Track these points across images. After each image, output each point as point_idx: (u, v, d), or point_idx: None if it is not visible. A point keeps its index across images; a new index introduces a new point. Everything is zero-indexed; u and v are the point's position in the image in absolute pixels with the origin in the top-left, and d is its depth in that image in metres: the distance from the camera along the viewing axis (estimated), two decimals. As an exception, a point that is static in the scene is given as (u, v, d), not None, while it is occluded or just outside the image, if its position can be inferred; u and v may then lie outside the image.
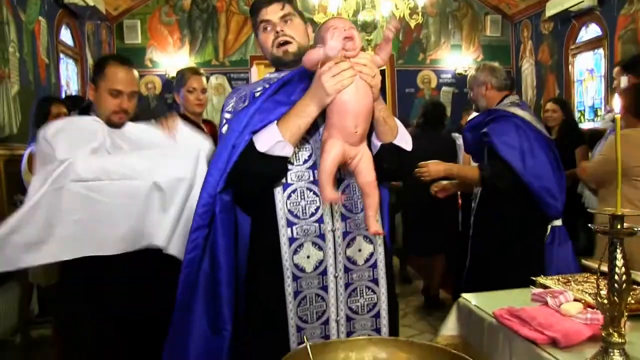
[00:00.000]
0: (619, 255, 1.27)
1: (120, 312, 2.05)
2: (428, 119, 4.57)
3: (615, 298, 1.28)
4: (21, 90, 4.56)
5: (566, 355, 1.51)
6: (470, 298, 2.04)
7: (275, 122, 1.53)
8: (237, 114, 1.61)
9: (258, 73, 7.44)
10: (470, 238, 3.01)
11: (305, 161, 1.62)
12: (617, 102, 1.33)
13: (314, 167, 1.61)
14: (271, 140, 1.50)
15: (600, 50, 6.22)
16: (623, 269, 1.27)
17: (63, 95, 5.41)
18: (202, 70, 3.34)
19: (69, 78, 5.91)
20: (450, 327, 2.08)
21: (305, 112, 1.50)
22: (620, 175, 1.24)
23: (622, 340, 1.33)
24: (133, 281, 2.06)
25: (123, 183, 1.96)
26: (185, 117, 3.15)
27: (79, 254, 1.91)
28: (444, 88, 7.92)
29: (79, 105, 3.64)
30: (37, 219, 1.86)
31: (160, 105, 7.18)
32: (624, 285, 1.27)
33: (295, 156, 1.60)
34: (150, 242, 1.98)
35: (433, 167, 2.84)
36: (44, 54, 5.11)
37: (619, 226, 1.26)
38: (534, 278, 2.02)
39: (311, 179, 1.61)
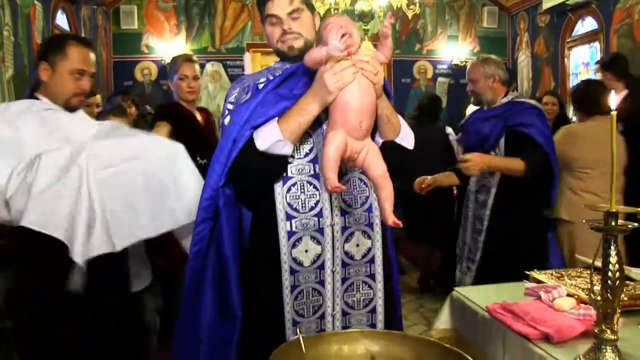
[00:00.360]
0: (612, 252, 1.28)
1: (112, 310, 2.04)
2: (424, 111, 4.63)
3: (609, 295, 1.29)
4: (15, 75, 4.51)
5: (559, 351, 1.52)
6: (463, 292, 2.05)
7: (276, 119, 1.51)
8: (239, 106, 1.60)
9: (254, 60, 7.39)
10: (483, 232, 2.99)
11: (307, 154, 1.61)
12: (612, 99, 1.32)
13: (315, 160, 1.60)
14: (271, 138, 1.49)
15: (596, 44, 6.22)
16: (617, 266, 1.27)
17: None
18: (195, 57, 3.28)
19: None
20: (443, 321, 2.09)
21: (306, 110, 1.48)
22: (614, 170, 1.24)
23: (615, 337, 1.34)
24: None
25: (135, 164, 1.94)
26: (178, 105, 3.13)
27: (125, 244, 1.89)
28: (439, 79, 7.90)
29: None
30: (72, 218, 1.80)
31: (156, 91, 7.14)
32: (618, 282, 1.28)
33: (297, 149, 1.59)
34: (184, 218, 1.98)
35: (479, 158, 2.81)
36: (39, 38, 5.05)
37: (613, 223, 1.27)
38: (527, 272, 2.03)
39: (312, 172, 1.60)
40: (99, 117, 2.89)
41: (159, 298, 2.75)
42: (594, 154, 3.08)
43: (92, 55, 2.11)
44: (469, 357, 1.27)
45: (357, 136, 1.45)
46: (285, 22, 1.61)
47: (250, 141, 1.51)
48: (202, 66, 7.22)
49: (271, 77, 1.65)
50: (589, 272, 1.94)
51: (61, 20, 5.78)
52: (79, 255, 1.77)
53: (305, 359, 1.30)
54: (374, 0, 5.50)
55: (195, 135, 2.93)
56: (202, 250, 1.62)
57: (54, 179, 1.81)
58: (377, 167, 1.47)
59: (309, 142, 1.61)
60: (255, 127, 1.52)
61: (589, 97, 3.31)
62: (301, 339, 1.33)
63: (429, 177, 3.10)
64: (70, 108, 2.06)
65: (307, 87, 1.52)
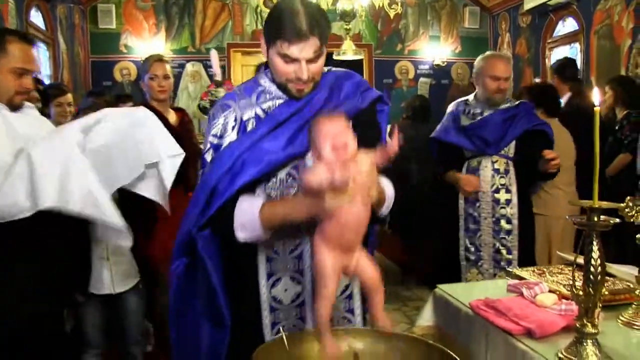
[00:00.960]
0: (595, 248, 1.28)
1: None
2: (416, 113, 4.95)
3: (590, 290, 1.29)
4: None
5: (541, 346, 1.53)
6: (446, 288, 2.05)
7: (259, 209, 1.42)
8: (222, 151, 1.52)
9: (234, 60, 7.34)
10: (514, 230, 3.00)
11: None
12: (595, 96, 1.32)
13: None
14: (252, 231, 1.44)
15: (577, 45, 6.28)
16: (599, 262, 1.28)
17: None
18: (165, 57, 3.30)
19: (40, 62, 5.76)
20: (426, 318, 2.09)
21: (294, 218, 1.40)
22: (597, 167, 1.24)
23: (596, 331, 1.35)
24: None
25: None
26: (148, 107, 3.12)
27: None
28: (421, 79, 7.92)
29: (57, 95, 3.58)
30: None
31: (136, 92, 7.05)
32: (599, 277, 1.28)
33: (281, 194, 1.54)
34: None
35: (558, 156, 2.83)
36: (14, 36, 4.94)
37: (595, 219, 1.27)
38: (509, 269, 2.04)
39: None
40: (77, 115, 2.85)
41: (143, 299, 2.72)
42: None
43: (34, 52, 2.04)
44: (452, 354, 1.27)
45: (350, 248, 1.35)
46: (304, 67, 1.46)
47: (229, 220, 1.44)
48: (182, 66, 7.16)
49: (260, 113, 1.55)
50: (570, 269, 1.96)
51: (36, 17, 5.68)
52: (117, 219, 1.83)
53: (289, 357, 1.31)
54: (356, 0, 5.49)
55: None
56: (181, 286, 1.61)
57: (55, 161, 1.80)
58: (370, 270, 1.38)
59: (293, 187, 1.53)
60: (239, 191, 1.44)
61: (536, 102, 3.48)
62: (284, 337, 1.33)
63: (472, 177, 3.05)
64: (14, 107, 2.00)
65: (298, 138, 1.47)
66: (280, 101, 1.56)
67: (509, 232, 2.98)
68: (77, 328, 2.57)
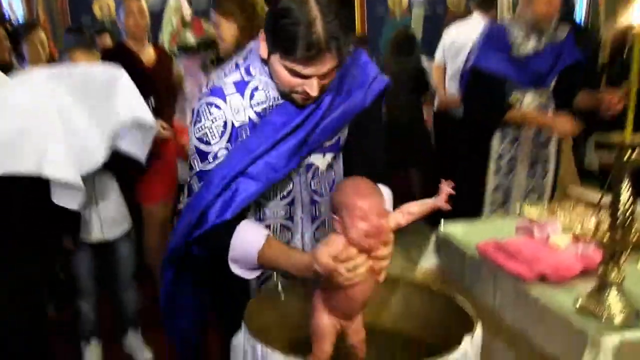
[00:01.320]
0: (624, 188, 1.16)
1: None
2: (401, 47, 4.89)
3: (619, 233, 1.18)
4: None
5: (555, 291, 1.45)
6: (450, 228, 1.95)
7: (257, 252, 1.30)
8: (213, 170, 1.36)
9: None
10: (550, 172, 2.85)
11: (284, 197, 1.44)
12: (638, 11, 1.15)
13: (291, 203, 1.45)
14: (247, 269, 1.36)
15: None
16: (628, 203, 1.15)
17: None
18: None
19: (12, 1, 5.44)
20: (429, 260, 2.01)
21: (295, 274, 1.28)
22: (634, 99, 1.10)
23: (621, 278, 1.25)
24: None
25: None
26: (123, 47, 3.08)
27: None
28: (415, 9, 7.62)
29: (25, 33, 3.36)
30: None
31: (117, 29, 6.75)
32: (629, 220, 1.16)
33: (273, 191, 1.43)
34: None
35: None
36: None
37: (626, 157, 1.13)
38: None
39: (287, 215, 1.47)
40: (62, 54, 2.68)
41: (135, 246, 2.68)
42: None
43: None
44: (457, 300, 1.22)
45: (351, 317, 1.26)
46: (315, 84, 1.26)
47: (222, 239, 1.35)
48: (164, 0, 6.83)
49: (254, 117, 1.38)
50: (583, 205, 1.86)
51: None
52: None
53: (284, 304, 1.31)
54: None
55: (138, 77, 2.79)
56: (172, 293, 1.61)
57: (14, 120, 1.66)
58: (358, 333, 1.29)
59: (288, 185, 1.44)
60: (232, 221, 1.34)
61: None
62: (280, 286, 1.32)
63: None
64: None
65: (300, 151, 1.36)
66: (279, 102, 1.38)
67: (544, 175, 2.83)
68: (69, 276, 2.57)
